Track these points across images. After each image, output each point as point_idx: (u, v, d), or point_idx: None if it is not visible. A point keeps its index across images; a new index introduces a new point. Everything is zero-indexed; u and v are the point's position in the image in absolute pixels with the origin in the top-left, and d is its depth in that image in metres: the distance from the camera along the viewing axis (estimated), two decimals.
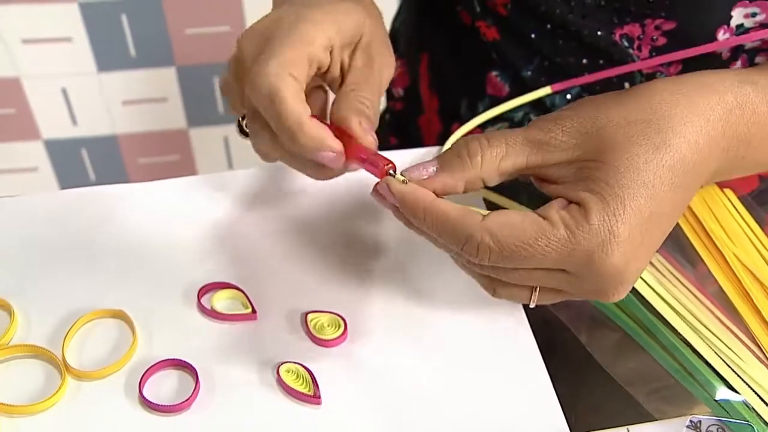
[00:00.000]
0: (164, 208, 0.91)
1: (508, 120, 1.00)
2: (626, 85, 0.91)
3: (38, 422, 0.74)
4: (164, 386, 0.76)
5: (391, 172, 0.69)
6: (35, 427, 0.73)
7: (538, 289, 0.67)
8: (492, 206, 0.90)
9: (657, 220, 0.63)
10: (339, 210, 0.92)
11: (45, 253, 0.87)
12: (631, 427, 0.72)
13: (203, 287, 0.83)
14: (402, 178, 0.69)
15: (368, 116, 0.72)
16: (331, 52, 0.74)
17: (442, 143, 0.91)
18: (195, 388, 0.75)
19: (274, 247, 0.88)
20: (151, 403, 0.75)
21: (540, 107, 0.97)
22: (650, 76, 0.90)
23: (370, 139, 0.71)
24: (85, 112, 2.20)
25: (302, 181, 0.92)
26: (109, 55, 2.07)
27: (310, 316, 0.81)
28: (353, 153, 0.72)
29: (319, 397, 0.75)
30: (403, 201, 0.66)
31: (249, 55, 0.72)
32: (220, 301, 0.83)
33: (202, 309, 0.82)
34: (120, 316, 0.82)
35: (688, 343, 0.76)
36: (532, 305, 0.69)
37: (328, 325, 0.81)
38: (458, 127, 0.93)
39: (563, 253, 0.62)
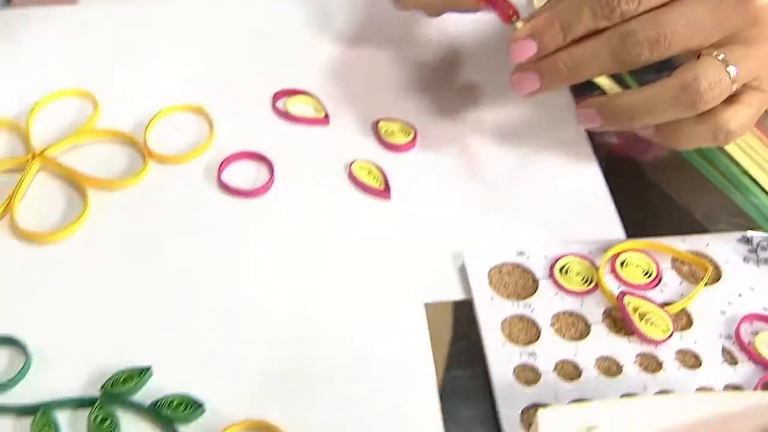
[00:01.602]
0: (247, 15, 0.93)
1: None
2: None
3: (123, 199, 0.79)
4: (241, 174, 0.80)
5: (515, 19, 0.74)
6: (120, 203, 0.78)
7: None
8: None
9: None
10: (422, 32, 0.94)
11: (127, 51, 0.89)
12: (686, 237, 0.74)
13: (278, 92, 0.86)
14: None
15: None
16: None
17: None
18: (270, 178, 0.78)
19: (348, 55, 0.90)
20: (229, 187, 0.78)
21: None
22: None
23: None
24: None
25: None
26: None
27: (381, 123, 0.84)
28: None
29: (389, 192, 0.78)
30: None
31: None
32: (295, 104, 0.85)
33: (277, 111, 0.85)
34: (199, 111, 0.84)
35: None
36: None
37: (399, 131, 0.83)
38: None
39: None
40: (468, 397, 0.65)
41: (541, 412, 0.54)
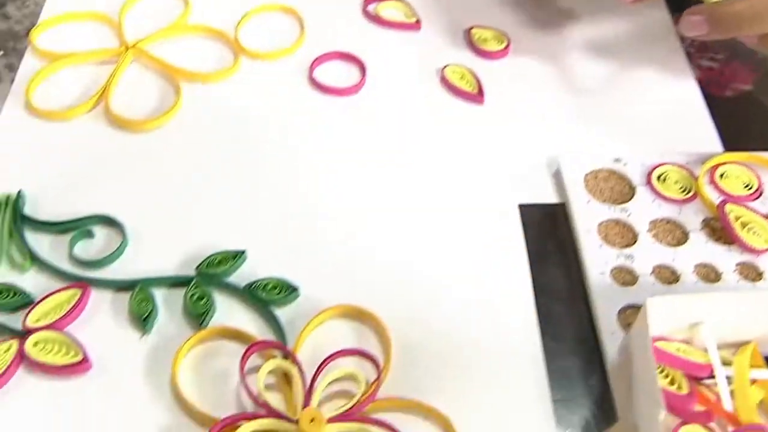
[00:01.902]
0: None
1: None
2: None
3: (214, 92, 0.79)
4: (332, 74, 0.79)
5: None
6: (211, 96, 0.78)
7: None
8: None
9: None
10: None
11: None
12: None
13: None
14: None
15: None
16: None
17: None
18: (362, 78, 0.78)
19: None
20: (320, 84, 0.77)
21: None
22: None
23: None
24: None
25: None
26: None
27: (473, 30, 0.82)
28: None
29: (483, 96, 0.76)
30: None
31: None
32: (386, 9, 0.84)
33: (368, 15, 0.84)
34: (290, 11, 0.84)
35: None
36: None
37: (492, 39, 0.82)
38: None
39: None
40: (562, 297, 0.64)
41: (649, 300, 0.53)
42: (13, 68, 0.78)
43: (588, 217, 0.67)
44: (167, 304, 0.63)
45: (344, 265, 0.65)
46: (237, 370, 0.59)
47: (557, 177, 0.71)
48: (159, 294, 0.63)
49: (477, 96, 0.76)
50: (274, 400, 0.56)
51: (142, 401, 0.58)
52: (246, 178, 0.71)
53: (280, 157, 0.72)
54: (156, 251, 0.66)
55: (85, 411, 0.57)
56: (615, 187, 0.69)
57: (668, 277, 0.64)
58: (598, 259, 0.64)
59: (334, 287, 0.63)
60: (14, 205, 0.68)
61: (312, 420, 0.54)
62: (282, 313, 0.62)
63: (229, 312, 0.62)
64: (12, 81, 0.77)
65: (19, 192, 0.69)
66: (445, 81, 0.78)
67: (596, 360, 0.61)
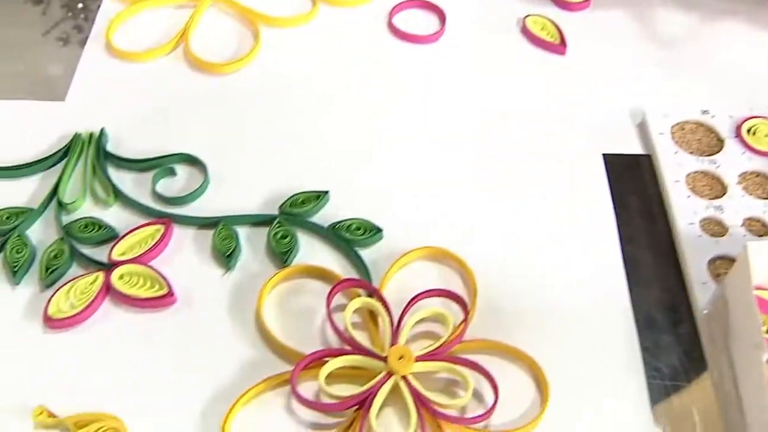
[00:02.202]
0: None
1: None
2: None
3: (293, 37, 0.79)
4: (412, 21, 0.78)
5: None
6: (290, 41, 0.78)
7: None
8: None
9: None
10: None
11: None
12: None
13: None
14: None
15: None
16: None
17: None
18: (442, 27, 0.77)
19: None
20: (400, 31, 0.77)
21: None
22: None
23: None
24: None
25: None
26: None
27: None
28: None
29: (565, 47, 0.75)
30: None
31: None
32: None
33: None
34: None
35: None
36: None
37: None
38: None
39: None
40: (649, 246, 0.63)
41: (750, 243, 0.52)
42: (81, 30, 0.78)
43: (675, 168, 0.66)
44: (250, 242, 0.63)
45: (427, 209, 0.65)
46: (320, 309, 0.58)
47: (642, 128, 0.70)
48: (241, 232, 0.63)
49: (559, 47, 0.75)
50: (360, 338, 0.56)
51: (226, 336, 0.58)
52: (326, 121, 0.71)
53: (359, 102, 0.72)
54: (237, 190, 0.66)
55: (170, 343, 0.58)
56: (703, 139, 0.68)
57: (759, 229, 0.62)
58: (686, 210, 0.63)
59: (416, 230, 0.63)
60: (97, 142, 0.68)
61: (401, 357, 0.54)
62: (365, 254, 0.61)
63: (311, 251, 0.62)
64: (81, 42, 0.77)
65: (101, 130, 0.69)
66: (525, 31, 0.77)
67: (684, 309, 0.59)
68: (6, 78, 0.74)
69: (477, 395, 0.55)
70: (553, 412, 0.54)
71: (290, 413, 0.55)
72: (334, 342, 0.57)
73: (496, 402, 0.53)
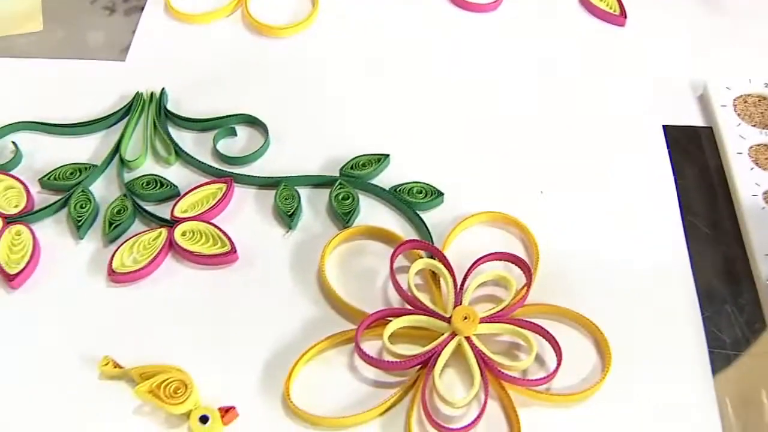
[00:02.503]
0: None
1: None
2: None
3: (353, 3, 0.79)
4: None
5: None
6: (350, 5, 0.78)
7: None
8: None
9: None
10: None
11: None
12: None
13: None
14: None
15: None
16: None
17: None
18: None
19: None
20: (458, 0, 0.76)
21: None
22: None
23: None
24: None
25: None
26: None
27: None
28: None
29: (625, 18, 0.75)
30: None
31: None
32: None
33: None
34: None
35: None
36: None
37: None
38: None
39: None
40: (710, 217, 0.63)
41: None
42: None
43: (738, 141, 0.66)
44: (311, 203, 0.63)
45: (488, 174, 0.65)
46: (381, 270, 0.59)
47: (703, 100, 0.69)
48: (302, 193, 0.63)
49: (618, 17, 0.75)
50: (423, 299, 0.56)
51: (288, 294, 0.58)
52: (385, 86, 0.71)
53: (419, 68, 0.72)
54: (297, 152, 0.66)
55: (232, 300, 0.58)
56: (766, 113, 0.67)
57: None
58: (749, 182, 0.63)
59: (477, 195, 0.63)
60: (158, 102, 0.68)
61: (465, 318, 0.54)
62: (426, 217, 0.61)
63: (372, 214, 0.62)
64: (127, 12, 0.77)
65: (162, 90, 0.69)
66: (584, 2, 0.76)
67: (747, 281, 0.59)
68: (62, 41, 0.74)
69: (538, 359, 0.55)
70: (613, 377, 0.53)
71: (353, 371, 0.55)
72: (395, 303, 0.57)
73: (559, 365, 0.53)
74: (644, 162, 0.65)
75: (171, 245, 0.60)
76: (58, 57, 0.73)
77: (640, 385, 0.54)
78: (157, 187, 0.63)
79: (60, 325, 0.57)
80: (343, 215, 0.61)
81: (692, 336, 0.56)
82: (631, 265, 0.59)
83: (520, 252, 0.60)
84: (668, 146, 0.66)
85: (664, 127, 0.67)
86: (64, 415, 0.53)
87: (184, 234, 0.60)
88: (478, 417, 0.51)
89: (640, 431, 0.52)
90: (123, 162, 0.65)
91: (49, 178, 0.64)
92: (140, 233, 0.60)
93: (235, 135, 0.67)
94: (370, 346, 0.55)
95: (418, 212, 0.61)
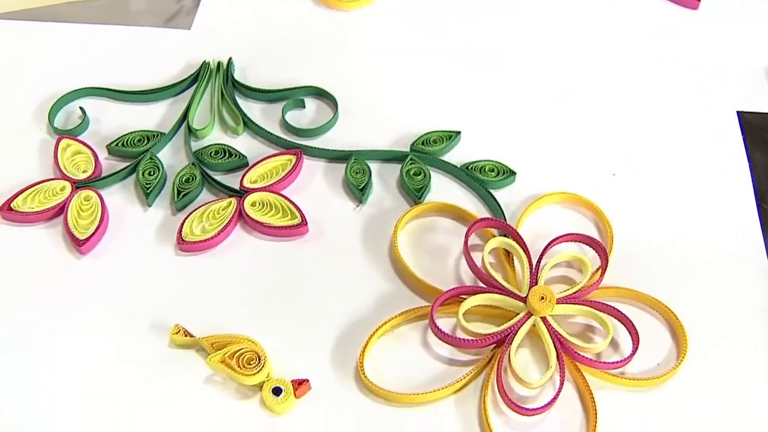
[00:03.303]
0: None
1: None
2: None
3: None
4: None
5: None
6: None
7: None
8: None
9: None
10: None
11: None
12: None
13: None
14: None
15: None
16: None
17: None
18: None
19: None
20: None
21: None
22: None
23: None
24: None
25: None
26: None
27: None
28: None
29: (698, 0, 0.73)
30: None
31: None
32: None
33: None
34: None
35: None
36: None
37: None
38: None
39: None
40: None
41: None
42: None
43: None
44: (381, 177, 0.63)
45: (560, 154, 0.64)
46: (452, 247, 0.58)
47: None
48: (372, 168, 0.62)
49: (692, 0, 0.73)
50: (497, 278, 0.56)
51: (359, 268, 0.58)
52: (457, 61, 0.70)
53: (492, 46, 0.72)
54: (366, 126, 0.65)
55: (302, 273, 0.58)
56: None
57: None
58: None
59: (549, 175, 0.62)
60: (225, 70, 0.68)
61: (542, 298, 0.53)
62: (497, 196, 0.61)
63: (443, 191, 0.62)
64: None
65: (229, 59, 0.68)
66: None
67: None
68: (129, 8, 0.74)
69: (612, 342, 0.54)
70: (689, 363, 0.53)
71: (426, 347, 0.54)
72: (467, 281, 0.57)
73: (636, 348, 0.52)
74: (718, 148, 0.64)
75: (240, 215, 0.60)
76: (102, 23, 0.72)
77: (716, 372, 0.53)
78: (225, 157, 0.63)
79: (129, 292, 0.57)
80: (414, 191, 0.60)
81: (767, 321, 0.55)
82: (704, 251, 0.59)
83: (592, 234, 0.59)
84: (743, 132, 0.64)
85: (739, 113, 0.66)
86: (134, 383, 0.53)
87: (253, 204, 0.60)
88: (555, 398, 0.51)
89: (716, 418, 0.52)
90: (190, 130, 0.64)
91: (116, 145, 0.63)
92: (209, 202, 0.60)
93: (304, 107, 0.66)
94: (442, 324, 0.54)
95: (490, 191, 0.60)
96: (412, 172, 0.61)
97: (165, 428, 0.51)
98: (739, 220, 0.60)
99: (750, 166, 0.63)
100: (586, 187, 0.61)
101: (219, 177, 0.62)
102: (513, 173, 0.61)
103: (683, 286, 0.57)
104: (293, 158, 0.62)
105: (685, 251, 0.59)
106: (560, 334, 0.52)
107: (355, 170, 0.62)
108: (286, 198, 0.60)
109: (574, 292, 0.55)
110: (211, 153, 0.63)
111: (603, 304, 0.54)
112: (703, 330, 0.54)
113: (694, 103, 0.67)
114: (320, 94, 0.67)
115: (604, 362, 0.52)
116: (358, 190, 0.60)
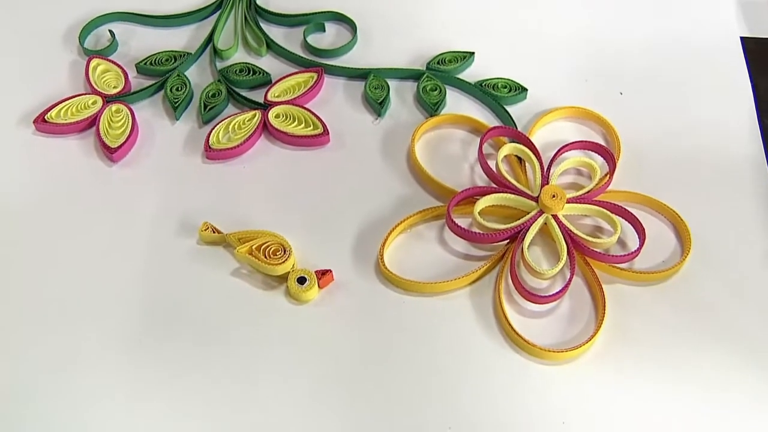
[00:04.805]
0: None
1: None
2: None
3: None
4: None
5: None
6: None
7: None
8: None
9: None
10: None
11: None
12: None
13: None
14: None
15: None
16: None
17: None
18: None
19: None
20: None
21: None
22: None
23: None
24: None
25: None
26: None
27: None
28: None
29: None
30: None
31: None
32: None
33: None
34: None
35: None
36: None
37: None
38: None
39: None
40: None
41: None
42: None
43: None
44: (398, 94, 0.65)
45: (569, 74, 0.67)
46: (468, 156, 0.61)
47: None
48: (390, 85, 0.65)
49: None
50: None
51: (379, 173, 0.61)
52: None
53: None
54: (385, 47, 0.68)
55: (326, 177, 0.61)
56: None
57: None
58: None
59: (560, 90, 0.65)
60: None
61: (554, 196, 0.56)
62: (511, 110, 0.63)
63: (458, 106, 0.64)
64: None
65: None
66: None
67: None
68: None
69: (619, 242, 0.57)
70: (692, 260, 0.56)
71: (442, 244, 0.57)
72: (485, 184, 0.59)
73: (642, 242, 0.55)
74: (721, 77, 0.67)
75: (265, 126, 0.62)
76: None
77: (718, 269, 0.56)
78: (249, 74, 0.65)
79: (159, 196, 0.60)
80: (431, 105, 0.63)
81: (766, 223, 0.57)
82: (708, 161, 0.62)
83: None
84: (746, 58, 0.67)
85: (742, 38, 0.68)
86: (166, 276, 0.56)
87: (277, 116, 0.63)
88: (566, 286, 0.53)
89: (719, 309, 0.54)
90: (216, 51, 0.67)
91: (145, 64, 0.66)
92: (234, 114, 0.63)
93: (324, 31, 0.69)
94: (459, 223, 0.57)
95: (503, 105, 0.63)
96: (428, 88, 0.64)
97: (196, 318, 0.54)
98: (742, 135, 0.63)
99: (753, 88, 0.65)
100: (595, 102, 0.63)
101: (244, 93, 0.65)
102: (524, 89, 0.64)
103: (688, 191, 0.59)
104: (315, 75, 0.65)
105: (689, 159, 0.62)
106: (571, 230, 0.55)
107: (374, 86, 0.64)
108: (308, 110, 0.63)
109: (584, 194, 0.57)
110: (235, 71, 0.66)
111: (611, 203, 0.57)
112: (705, 231, 0.57)
113: (699, 28, 0.70)
114: (340, 18, 0.69)
115: (613, 255, 0.55)
116: (377, 104, 0.63)
